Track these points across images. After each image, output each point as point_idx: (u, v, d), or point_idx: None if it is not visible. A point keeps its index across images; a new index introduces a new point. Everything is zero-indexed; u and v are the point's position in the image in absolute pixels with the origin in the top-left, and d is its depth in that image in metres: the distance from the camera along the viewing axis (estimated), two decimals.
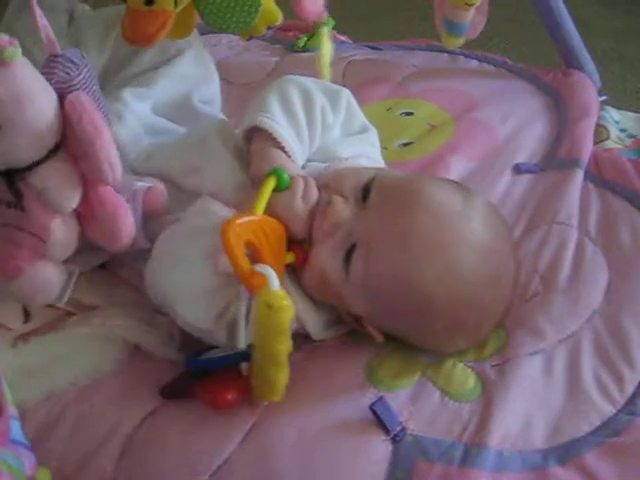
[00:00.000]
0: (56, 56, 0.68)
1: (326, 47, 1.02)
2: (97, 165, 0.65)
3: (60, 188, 0.67)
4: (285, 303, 0.64)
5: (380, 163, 0.88)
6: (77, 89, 0.68)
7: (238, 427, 0.71)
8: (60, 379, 0.76)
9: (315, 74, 0.99)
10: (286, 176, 0.74)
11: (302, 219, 0.74)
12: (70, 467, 0.71)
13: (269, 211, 0.72)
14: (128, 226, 0.70)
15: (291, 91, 0.81)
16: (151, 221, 0.77)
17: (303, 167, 0.80)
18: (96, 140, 0.65)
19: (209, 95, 0.96)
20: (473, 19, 1.11)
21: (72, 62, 0.69)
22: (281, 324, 0.64)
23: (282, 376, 0.68)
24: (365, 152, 0.85)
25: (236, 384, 0.71)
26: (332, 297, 0.76)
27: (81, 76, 0.69)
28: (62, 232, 0.69)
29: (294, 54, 1.26)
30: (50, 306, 0.79)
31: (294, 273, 0.76)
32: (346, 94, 0.86)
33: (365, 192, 0.75)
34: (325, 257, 0.74)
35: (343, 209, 0.74)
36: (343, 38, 1.33)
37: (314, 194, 0.75)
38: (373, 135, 0.88)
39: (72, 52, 0.70)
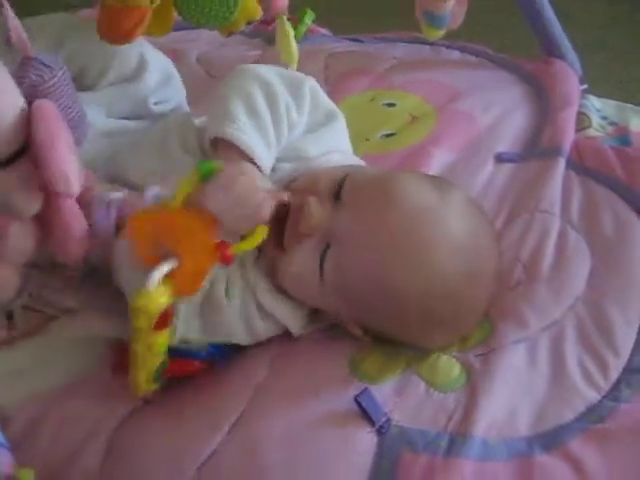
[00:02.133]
0: (29, 58, 0.67)
1: (288, 37, 1.00)
2: (50, 175, 0.63)
3: (19, 194, 0.65)
4: (143, 303, 0.62)
5: (350, 153, 0.87)
6: (49, 93, 0.67)
7: (224, 420, 0.71)
8: (45, 381, 0.76)
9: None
10: (213, 166, 0.69)
11: (223, 211, 0.68)
12: (55, 467, 0.71)
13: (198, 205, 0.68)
14: (78, 238, 0.68)
15: (254, 90, 0.77)
16: None
17: (273, 169, 0.79)
18: (49, 151, 0.63)
19: (166, 95, 0.95)
20: (453, 10, 1.10)
21: (45, 65, 0.67)
22: (139, 322, 0.63)
23: (148, 364, 0.67)
24: (334, 146, 0.84)
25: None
26: (309, 298, 0.77)
27: (54, 79, 0.68)
28: (19, 237, 0.67)
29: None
30: (35, 310, 0.79)
31: (272, 274, 0.76)
32: (309, 84, 0.83)
33: (338, 192, 0.74)
34: (301, 259, 0.74)
35: (319, 211, 0.73)
36: (323, 31, 1.32)
37: (240, 186, 0.70)
38: (340, 123, 0.86)
39: (46, 55, 0.69)
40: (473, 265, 0.73)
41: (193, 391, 0.76)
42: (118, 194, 0.73)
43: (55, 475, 0.71)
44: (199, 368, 0.75)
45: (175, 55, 1.15)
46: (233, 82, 0.79)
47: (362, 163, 0.86)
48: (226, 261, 0.65)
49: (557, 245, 0.85)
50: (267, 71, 0.80)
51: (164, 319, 0.63)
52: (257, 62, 1.20)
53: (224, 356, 0.77)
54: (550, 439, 0.69)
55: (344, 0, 1.86)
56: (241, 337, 0.77)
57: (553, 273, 0.82)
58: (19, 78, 0.65)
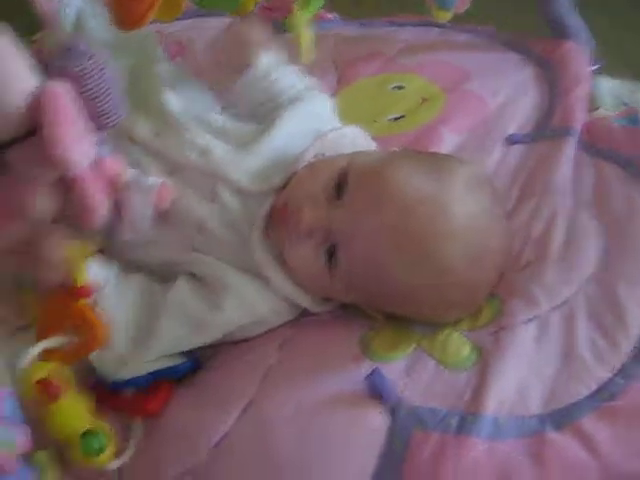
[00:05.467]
0: (64, 44, 0.67)
1: (302, 30, 1.00)
2: (53, 158, 0.63)
3: (34, 165, 0.65)
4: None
5: (330, 118, 0.88)
6: (76, 79, 0.68)
7: (236, 403, 0.71)
8: None
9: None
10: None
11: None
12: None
13: None
14: (101, 210, 0.68)
15: None
16: None
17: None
18: (52, 135, 0.62)
19: None
20: None
21: (75, 51, 0.68)
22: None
23: None
24: (315, 130, 0.84)
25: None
26: (319, 290, 0.77)
27: (81, 67, 0.68)
28: (36, 206, 0.67)
29: (284, 34, 1.24)
30: None
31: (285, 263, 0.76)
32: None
33: (338, 189, 0.74)
34: (305, 258, 0.74)
35: (312, 216, 0.73)
36: (330, 16, 1.32)
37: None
38: (313, 101, 0.88)
39: (79, 40, 0.68)
40: (476, 248, 0.73)
41: (207, 375, 0.76)
42: (155, 179, 0.73)
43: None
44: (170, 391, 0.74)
45: (180, 46, 1.16)
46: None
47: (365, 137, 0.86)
48: (87, 296, 0.64)
49: (568, 225, 0.85)
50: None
51: (53, 391, 0.61)
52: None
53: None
54: (561, 417, 0.69)
55: None
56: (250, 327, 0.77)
57: (564, 253, 0.82)
58: (46, 59, 0.66)
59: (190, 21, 1.27)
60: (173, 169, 0.79)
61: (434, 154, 0.82)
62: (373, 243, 0.72)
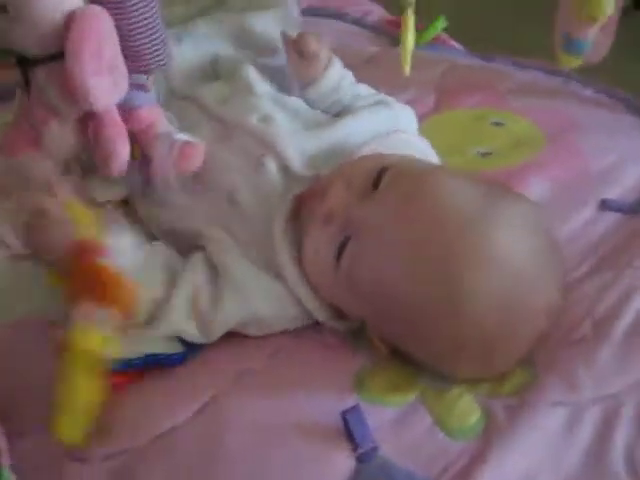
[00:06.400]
0: None
1: (409, 33, 0.92)
2: (72, 87, 0.62)
3: (58, 92, 0.65)
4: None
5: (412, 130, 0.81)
6: (117, 10, 0.65)
7: (196, 398, 0.64)
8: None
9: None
10: None
11: None
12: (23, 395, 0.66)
13: None
14: (120, 156, 0.68)
15: None
16: None
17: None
18: (74, 61, 0.61)
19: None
20: (597, 39, 0.99)
21: None
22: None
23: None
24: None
25: None
26: (324, 287, 0.68)
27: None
28: (55, 135, 0.68)
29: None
30: None
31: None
32: None
33: (377, 180, 0.65)
34: (317, 245, 0.66)
35: (340, 196, 0.65)
36: (455, 44, 1.22)
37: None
38: (397, 109, 0.81)
39: None
40: (511, 293, 0.61)
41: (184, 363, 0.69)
42: (182, 136, 0.71)
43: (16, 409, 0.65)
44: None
45: None
46: None
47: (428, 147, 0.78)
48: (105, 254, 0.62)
49: None
50: None
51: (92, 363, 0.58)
52: (373, 58, 1.13)
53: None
54: None
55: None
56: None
57: (627, 338, 0.67)
58: None
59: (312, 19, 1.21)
60: (230, 133, 0.75)
61: (495, 183, 0.70)
62: (387, 246, 0.62)
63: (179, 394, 0.65)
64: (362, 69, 0.93)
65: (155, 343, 0.68)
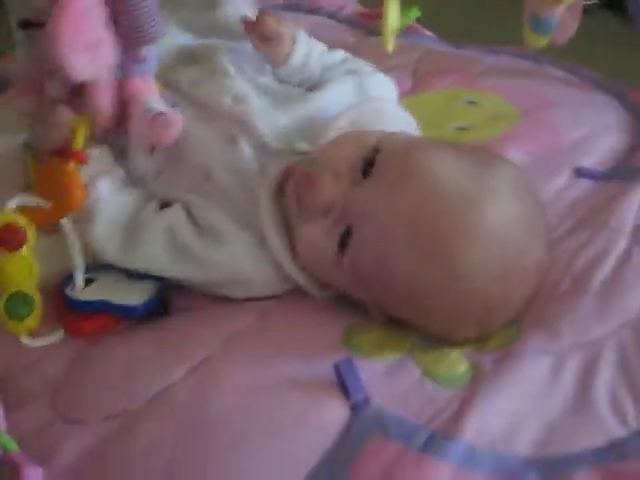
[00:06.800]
0: None
1: (392, 13, 0.94)
2: (54, 53, 0.62)
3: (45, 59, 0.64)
4: None
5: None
6: None
7: (187, 358, 0.65)
8: None
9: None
10: None
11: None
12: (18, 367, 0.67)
13: None
14: (102, 114, 0.68)
15: None
16: None
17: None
18: (49, 36, 0.62)
19: None
20: (563, 19, 1.01)
21: None
22: None
23: None
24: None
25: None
26: (322, 275, 0.69)
27: None
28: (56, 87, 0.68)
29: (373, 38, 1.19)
30: None
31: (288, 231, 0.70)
32: None
33: (365, 166, 0.66)
34: (315, 237, 0.67)
35: (332, 190, 0.66)
36: (428, 33, 1.25)
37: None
38: (372, 78, 0.83)
39: None
40: (506, 261, 0.63)
41: (171, 321, 0.71)
42: (162, 106, 0.71)
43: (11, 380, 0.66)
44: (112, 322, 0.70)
45: None
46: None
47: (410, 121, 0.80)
48: (80, 161, 0.68)
49: (617, 263, 0.73)
50: None
51: (12, 239, 0.64)
52: (351, 47, 1.15)
53: (159, 312, 0.71)
54: (551, 466, 0.57)
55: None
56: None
57: (605, 289, 0.70)
58: None
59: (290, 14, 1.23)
60: (207, 116, 0.75)
61: (479, 149, 0.72)
62: (388, 230, 0.63)
63: (171, 355, 0.66)
64: None
65: (117, 292, 0.70)
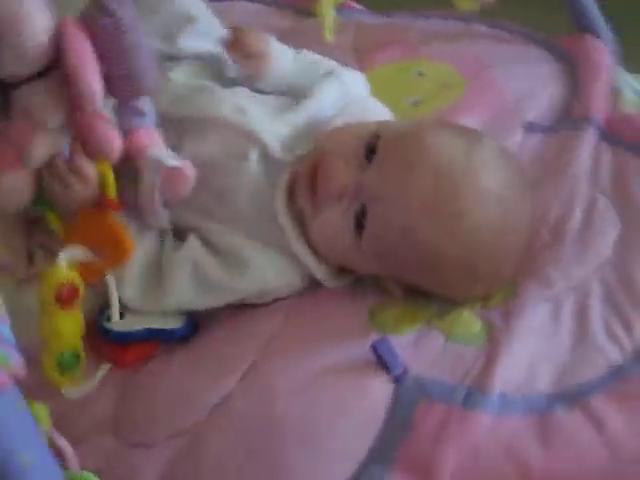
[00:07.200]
0: None
1: (327, 9, 0.99)
2: (78, 91, 0.62)
3: (45, 106, 0.64)
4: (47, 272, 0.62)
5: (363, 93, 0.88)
6: (96, 33, 0.65)
7: (236, 367, 0.70)
8: None
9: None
10: None
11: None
12: (69, 408, 0.69)
13: None
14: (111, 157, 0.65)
15: None
16: None
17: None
18: (79, 70, 0.62)
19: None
20: None
21: (102, 4, 0.65)
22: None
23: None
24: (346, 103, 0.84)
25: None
26: (340, 257, 0.76)
27: (106, 21, 0.66)
28: (41, 149, 0.65)
29: (311, 19, 1.23)
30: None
31: (304, 233, 0.76)
32: None
33: (368, 151, 0.73)
34: (332, 221, 0.73)
35: (344, 174, 0.72)
36: (357, 6, 1.31)
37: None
38: (346, 76, 0.87)
39: None
40: (508, 216, 0.72)
41: (206, 338, 0.75)
42: (174, 160, 0.69)
43: (69, 415, 0.69)
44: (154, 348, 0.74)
45: None
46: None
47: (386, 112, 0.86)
48: (116, 209, 0.68)
49: (585, 210, 0.83)
50: None
51: (67, 297, 0.62)
52: (289, 31, 1.19)
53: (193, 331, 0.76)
54: (571, 397, 0.67)
55: None
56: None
57: (579, 235, 0.80)
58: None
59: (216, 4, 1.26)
60: (203, 129, 0.77)
61: (461, 126, 0.81)
62: (404, 204, 0.70)
63: (217, 368, 0.71)
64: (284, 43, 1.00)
65: (153, 318, 0.74)
